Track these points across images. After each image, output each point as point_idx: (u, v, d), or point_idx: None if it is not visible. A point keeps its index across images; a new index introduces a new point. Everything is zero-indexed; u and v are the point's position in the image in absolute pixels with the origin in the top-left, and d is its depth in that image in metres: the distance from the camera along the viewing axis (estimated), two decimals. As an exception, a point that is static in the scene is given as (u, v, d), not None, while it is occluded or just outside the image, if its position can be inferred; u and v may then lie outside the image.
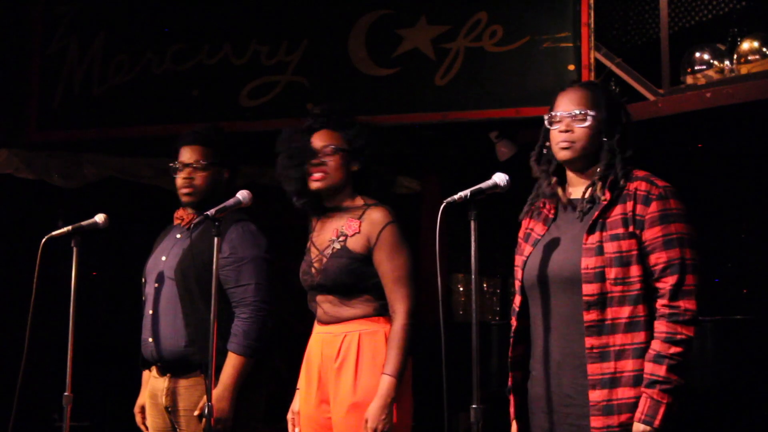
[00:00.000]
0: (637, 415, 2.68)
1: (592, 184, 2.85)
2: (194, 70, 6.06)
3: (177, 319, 3.68)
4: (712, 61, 5.31)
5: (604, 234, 2.77)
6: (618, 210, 2.79)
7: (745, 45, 5.24)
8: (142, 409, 3.82)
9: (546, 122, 2.90)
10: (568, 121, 2.85)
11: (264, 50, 5.97)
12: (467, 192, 2.77)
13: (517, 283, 2.96)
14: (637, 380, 2.70)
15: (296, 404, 3.48)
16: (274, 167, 3.52)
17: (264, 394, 3.76)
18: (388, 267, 3.35)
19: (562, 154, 2.86)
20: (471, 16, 5.65)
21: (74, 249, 3.76)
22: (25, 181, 6.31)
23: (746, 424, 5.12)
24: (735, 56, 5.26)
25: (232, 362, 3.58)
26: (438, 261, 2.79)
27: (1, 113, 6.26)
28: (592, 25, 5.40)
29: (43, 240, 3.78)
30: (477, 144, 6.37)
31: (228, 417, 3.57)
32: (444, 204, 2.78)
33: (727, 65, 5.29)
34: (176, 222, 3.88)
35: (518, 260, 2.97)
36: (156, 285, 3.76)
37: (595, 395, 2.72)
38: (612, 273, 2.73)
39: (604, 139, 2.84)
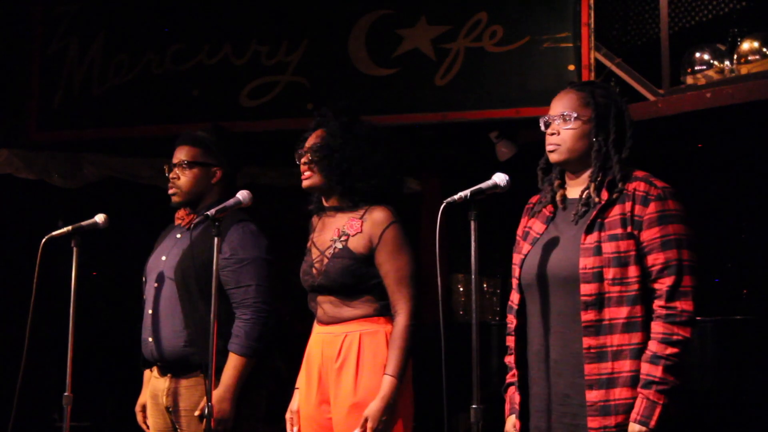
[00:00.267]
0: (633, 415, 2.68)
1: (588, 186, 2.85)
2: (194, 70, 6.06)
3: (177, 319, 3.68)
4: (712, 61, 5.31)
5: (603, 234, 2.77)
6: (617, 210, 2.79)
7: (745, 45, 5.24)
8: (143, 409, 3.83)
9: (542, 126, 2.91)
10: (555, 123, 2.87)
11: (264, 50, 5.97)
12: (467, 192, 2.78)
13: (515, 281, 2.97)
14: (634, 381, 2.70)
15: (295, 404, 3.48)
16: (275, 167, 3.52)
17: (265, 394, 3.76)
18: (390, 267, 3.34)
19: (550, 157, 2.90)
20: (471, 17, 5.65)
21: (74, 249, 3.76)
22: (25, 181, 6.31)
23: (746, 424, 5.12)
24: (735, 56, 5.26)
25: (233, 363, 3.58)
26: (438, 261, 2.79)
27: (1, 113, 6.26)
28: (592, 25, 5.41)
29: (43, 240, 3.78)
30: (477, 144, 6.37)
31: (229, 417, 3.57)
32: (444, 204, 2.78)
33: (727, 65, 5.29)
34: (177, 222, 3.89)
35: (516, 258, 2.97)
36: (156, 285, 3.76)
37: (592, 395, 2.73)
38: (610, 273, 2.74)
39: (594, 140, 2.84)
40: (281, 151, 3.67)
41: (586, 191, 2.85)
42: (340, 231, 3.41)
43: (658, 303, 2.72)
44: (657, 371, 2.67)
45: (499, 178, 2.84)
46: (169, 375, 3.70)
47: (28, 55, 6.31)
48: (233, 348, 3.59)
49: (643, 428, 2.66)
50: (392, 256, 3.35)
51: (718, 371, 5.05)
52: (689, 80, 5.32)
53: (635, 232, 2.76)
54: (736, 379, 5.08)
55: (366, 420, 3.22)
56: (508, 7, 5.64)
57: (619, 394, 2.71)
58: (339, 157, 3.41)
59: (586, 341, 2.74)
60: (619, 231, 2.76)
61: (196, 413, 3.60)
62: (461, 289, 7.37)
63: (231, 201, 3.44)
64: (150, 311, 3.76)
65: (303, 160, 3.45)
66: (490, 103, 5.62)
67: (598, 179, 2.83)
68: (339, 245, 3.38)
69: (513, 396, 2.95)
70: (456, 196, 2.78)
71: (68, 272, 3.75)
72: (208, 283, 3.39)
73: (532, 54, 5.53)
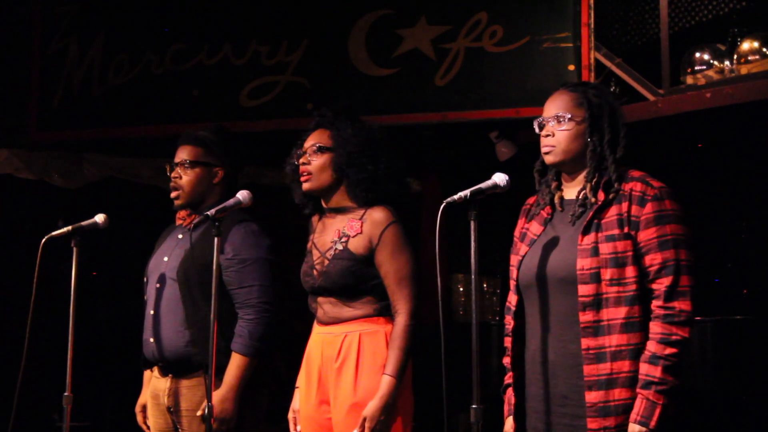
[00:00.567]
0: (633, 416, 2.68)
1: (584, 187, 2.85)
2: (194, 70, 6.06)
3: (178, 319, 3.68)
4: (712, 61, 5.31)
5: (600, 235, 2.77)
6: (613, 211, 2.79)
7: (745, 45, 5.23)
8: (144, 409, 3.83)
9: (536, 128, 2.91)
10: (549, 125, 2.87)
11: (264, 50, 5.96)
12: (467, 192, 2.78)
13: (512, 283, 2.97)
14: (633, 381, 2.70)
15: (296, 402, 3.49)
16: (275, 167, 3.52)
17: (266, 394, 3.76)
18: (391, 267, 3.34)
19: (546, 159, 2.90)
20: (471, 17, 5.65)
21: (74, 249, 3.76)
22: (25, 181, 6.31)
23: (746, 424, 5.11)
24: (735, 56, 5.26)
25: (236, 363, 3.58)
26: (438, 261, 2.79)
27: (1, 113, 6.26)
28: (592, 25, 5.40)
29: (43, 240, 3.78)
30: (477, 144, 6.37)
31: (232, 417, 3.57)
32: (444, 204, 2.78)
33: (727, 65, 5.29)
34: (178, 222, 3.89)
35: (514, 260, 2.97)
36: (157, 285, 3.76)
37: (592, 396, 2.72)
38: (607, 274, 2.74)
39: (589, 140, 2.84)
40: (281, 151, 3.66)
41: (583, 192, 2.85)
42: (340, 232, 3.41)
43: (656, 303, 2.72)
44: (656, 371, 2.66)
45: (499, 178, 2.84)
46: (170, 375, 3.69)
47: (28, 55, 6.31)
48: (236, 348, 3.59)
49: (643, 428, 2.66)
50: (392, 256, 3.35)
51: (718, 371, 5.05)
52: (689, 80, 5.32)
53: (632, 233, 2.76)
54: (736, 379, 5.07)
55: (364, 420, 3.23)
56: (508, 7, 5.63)
57: (619, 394, 2.71)
58: (338, 158, 3.41)
59: (585, 342, 2.74)
60: (616, 231, 2.76)
61: (198, 413, 3.60)
62: (461, 289, 7.36)
63: (231, 201, 3.44)
64: (151, 312, 3.75)
65: (302, 160, 3.45)
66: (490, 103, 5.62)
67: (594, 180, 2.83)
68: (339, 247, 3.38)
69: (510, 397, 2.96)
70: (456, 196, 2.77)
71: (68, 272, 3.75)
72: (209, 283, 3.38)
73: (532, 54, 5.53)
